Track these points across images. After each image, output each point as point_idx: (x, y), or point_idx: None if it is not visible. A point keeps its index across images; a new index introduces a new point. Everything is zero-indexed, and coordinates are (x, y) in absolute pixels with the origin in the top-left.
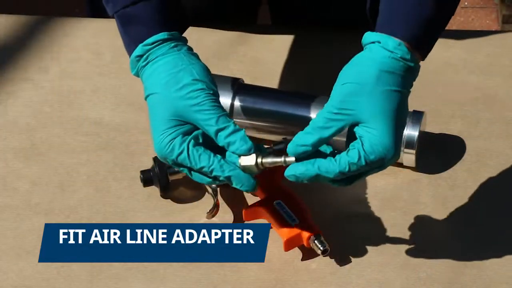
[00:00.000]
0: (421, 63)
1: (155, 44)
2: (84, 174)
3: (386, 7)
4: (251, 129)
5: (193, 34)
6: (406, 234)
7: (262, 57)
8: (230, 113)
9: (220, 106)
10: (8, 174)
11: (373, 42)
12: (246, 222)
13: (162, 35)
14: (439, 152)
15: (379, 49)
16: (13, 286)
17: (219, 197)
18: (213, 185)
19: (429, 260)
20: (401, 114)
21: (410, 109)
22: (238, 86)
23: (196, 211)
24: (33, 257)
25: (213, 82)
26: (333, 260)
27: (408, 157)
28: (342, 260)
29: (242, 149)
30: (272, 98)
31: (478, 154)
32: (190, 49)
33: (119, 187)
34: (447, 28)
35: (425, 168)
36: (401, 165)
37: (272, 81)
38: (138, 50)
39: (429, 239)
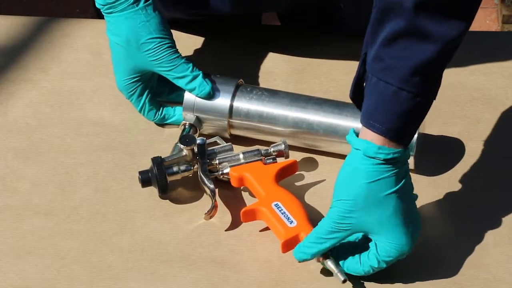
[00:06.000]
0: None
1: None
2: (84, 175)
3: (367, 99)
4: (251, 130)
5: (194, 33)
6: None
7: (263, 57)
8: (229, 114)
9: (177, 56)
10: (8, 174)
11: (356, 149)
12: (244, 223)
13: None
14: (439, 154)
15: (362, 158)
16: (13, 286)
17: (217, 198)
18: (211, 186)
19: (429, 260)
20: (403, 207)
21: None
22: (237, 87)
23: (195, 211)
24: (33, 257)
25: (168, 32)
26: None
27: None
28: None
29: (203, 93)
30: (271, 99)
31: (478, 155)
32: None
33: (119, 187)
34: None
35: (425, 169)
36: None
37: (272, 82)
38: (101, 1)
39: (429, 239)
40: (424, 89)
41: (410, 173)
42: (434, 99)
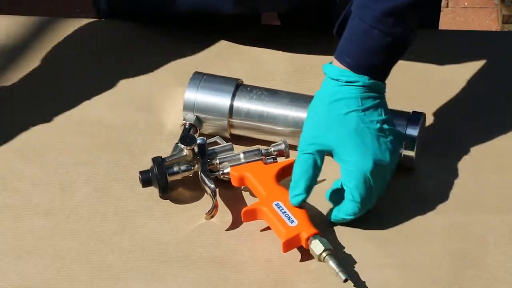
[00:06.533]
0: (421, 63)
1: None
2: (84, 174)
3: (344, 34)
4: (251, 130)
5: (194, 32)
6: (406, 235)
7: (263, 57)
8: (229, 114)
9: None
10: (8, 174)
11: (324, 73)
12: (244, 222)
13: None
14: (438, 153)
15: (327, 80)
16: (13, 286)
17: (218, 197)
18: (212, 186)
19: (430, 260)
20: (365, 129)
21: (410, 109)
22: (237, 87)
23: (196, 211)
24: (33, 257)
25: None
26: None
27: (408, 158)
28: (342, 261)
29: None
30: (271, 99)
31: (478, 155)
32: None
33: (119, 187)
34: (447, 28)
35: (424, 169)
36: (400, 166)
37: (272, 82)
38: None
39: (430, 239)
40: (396, 29)
41: (410, 173)
42: (412, 43)
